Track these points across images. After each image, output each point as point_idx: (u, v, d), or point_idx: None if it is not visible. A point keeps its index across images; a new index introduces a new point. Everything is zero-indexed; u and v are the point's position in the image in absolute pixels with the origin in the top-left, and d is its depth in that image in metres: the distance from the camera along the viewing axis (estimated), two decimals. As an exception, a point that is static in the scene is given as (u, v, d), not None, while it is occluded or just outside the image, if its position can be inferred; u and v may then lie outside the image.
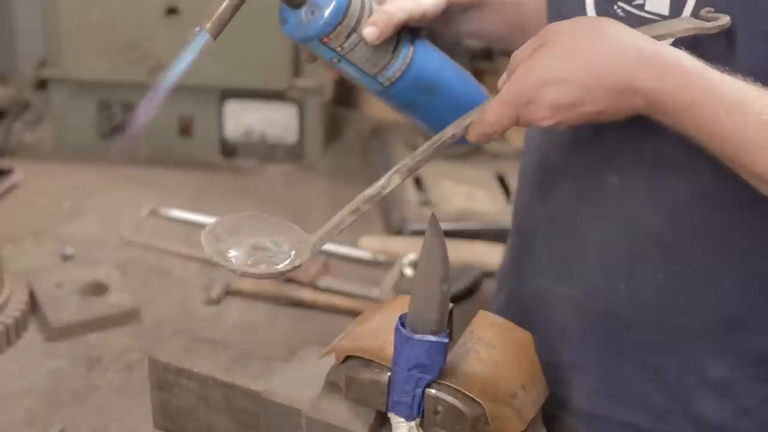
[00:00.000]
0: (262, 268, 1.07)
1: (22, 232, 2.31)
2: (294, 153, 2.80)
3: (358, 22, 1.14)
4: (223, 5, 1.07)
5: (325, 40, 1.14)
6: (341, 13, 1.12)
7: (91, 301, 1.99)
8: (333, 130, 2.96)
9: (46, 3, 2.64)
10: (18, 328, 1.88)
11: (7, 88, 2.99)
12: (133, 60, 2.66)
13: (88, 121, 2.79)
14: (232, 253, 1.07)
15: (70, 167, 2.71)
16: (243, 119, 2.80)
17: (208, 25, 1.07)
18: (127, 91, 2.75)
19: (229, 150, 2.83)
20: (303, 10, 1.12)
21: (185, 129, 2.80)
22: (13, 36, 3.17)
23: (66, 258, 2.22)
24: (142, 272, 2.19)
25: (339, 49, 1.15)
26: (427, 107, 1.25)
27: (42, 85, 2.80)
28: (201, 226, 2.36)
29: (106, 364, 1.84)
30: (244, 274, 1.06)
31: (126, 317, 1.98)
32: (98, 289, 2.03)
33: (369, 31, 1.14)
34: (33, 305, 1.96)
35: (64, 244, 2.26)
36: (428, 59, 1.21)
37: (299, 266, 1.08)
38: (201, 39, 1.07)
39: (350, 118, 3.10)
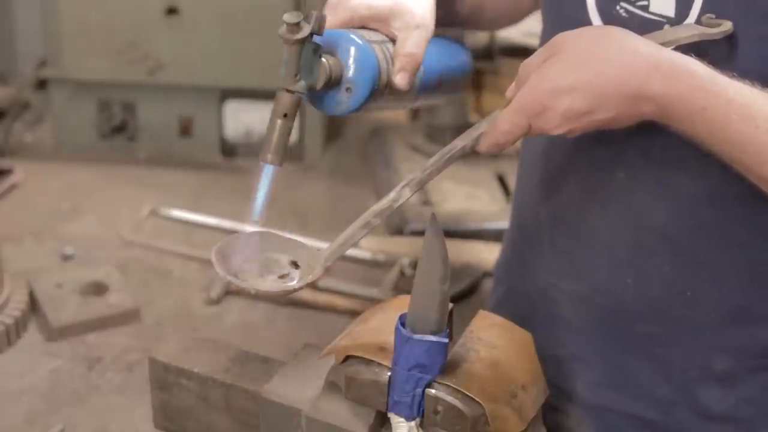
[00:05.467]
0: (276, 285, 1.06)
1: (22, 232, 2.31)
2: (294, 153, 2.80)
3: (388, 75, 1.15)
4: (276, 134, 1.08)
5: (365, 107, 1.15)
6: (376, 81, 1.13)
7: (91, 301, 1.99)
8: (333, 130, 2.96)
9: (46, 3, 2.64)
10: (18, 328, 1.88)
11: (7, 88, 2.99)
12: (132, 60, 2.66)
13: (88, 121, 2.79)
14: (244, 271, 1.06)
15: (70, 167, 2.71)
16: (243, 119, 2.80)
17: (270, 156, 1.09)
18: (127, 91, 2.75)
19: (229, 150, 2.83)
20: (337, 89, 1.13)
21: (185, 129, 2.80)
22: (13, 36, 3.17)
23: (66, 258, 2.22)
24: (142, 272, 2.19)
25: (375, 105, 1.17)
26: (442, 88, 1.28)
27: (42, 85, 2.80)
28: (201, 226, 2.41)
29: (106, 364, 1.84)
30: (258, 293, 1.06)
31: (126, 317, 1.98)
32: (98, 289, 2.03)
33: (400, 79, 1.15)
34: (33, 305, 1.96)
35: (64, 244, 2.26)
36: (429, 58, 1.22)
37: (312, 282, 1.08)
38: (268, 171, 1.10)
39: (350, 118, 3.09)
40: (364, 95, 1.12)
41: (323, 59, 1.09)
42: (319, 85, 1.09)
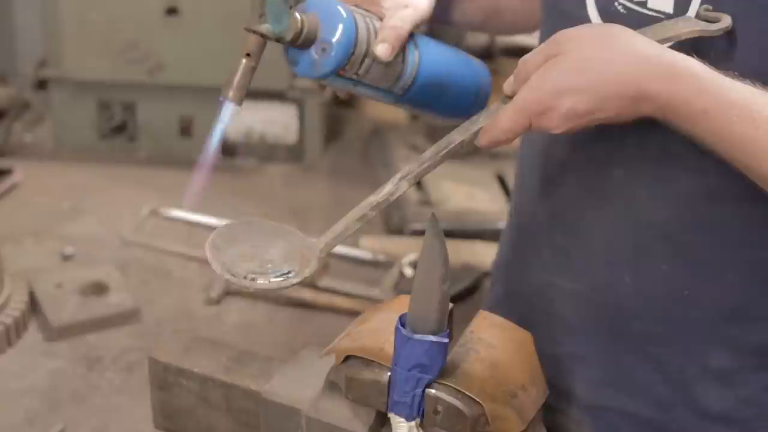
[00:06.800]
0: (272, 281, 1.06)
1: (22, 232, 2.31)
2: (294, 153, 2.80)
3: (368, 45, 1.14)
4: (239, 72, 1.10)
5: (341, 72, 1.14)
6: (352, 44, 1.12)
7: (91, 301, 1.99)
8: (333, 130, 2.96)
9: (46, 3, 2.64)
10: (18, 328, 1.88)
11: (7, 88, 2.99)
12: (133, 60, 2.67)
13: (88, 121, 2.79)
14: (238, 267, 1.05)
15: (70, 167, 2.71)
16: (243, 119, 2.80)
17: (231, 93, 1.11)
18: (127, 91, 2.75)
19: (229, 150, 2.83)
20: (312, 49, 1.12)
21: (185, 129, 2.80)
22: (13, 36, 3.17)
23: (66, 258, 2.22)
24: (142, 272, 2.19)
25: (354, 76, 1.15)
26: (442, 100, 1.26)
27: (42, 85, 2.81)
28: (201, 226, 2.41)
29: (106, 364, 1.84)
30: (257, 290, 1.05)
31: (126, 317, 1.98)
32: (98, 289, 2.04)
33: (381, 49, 1.14)
34: (33, 305, 1.96)
35: (64, 244, 2.26)
36: (434, 56, 1.22)
37: (308, 276, 1.08)
38: (227, 109, 1.11)
39: (350, 118, 3.10)
40: (339, 58, 1.11)
41: (297, 14, 1.09)
42: (289, 36, 1.09)
